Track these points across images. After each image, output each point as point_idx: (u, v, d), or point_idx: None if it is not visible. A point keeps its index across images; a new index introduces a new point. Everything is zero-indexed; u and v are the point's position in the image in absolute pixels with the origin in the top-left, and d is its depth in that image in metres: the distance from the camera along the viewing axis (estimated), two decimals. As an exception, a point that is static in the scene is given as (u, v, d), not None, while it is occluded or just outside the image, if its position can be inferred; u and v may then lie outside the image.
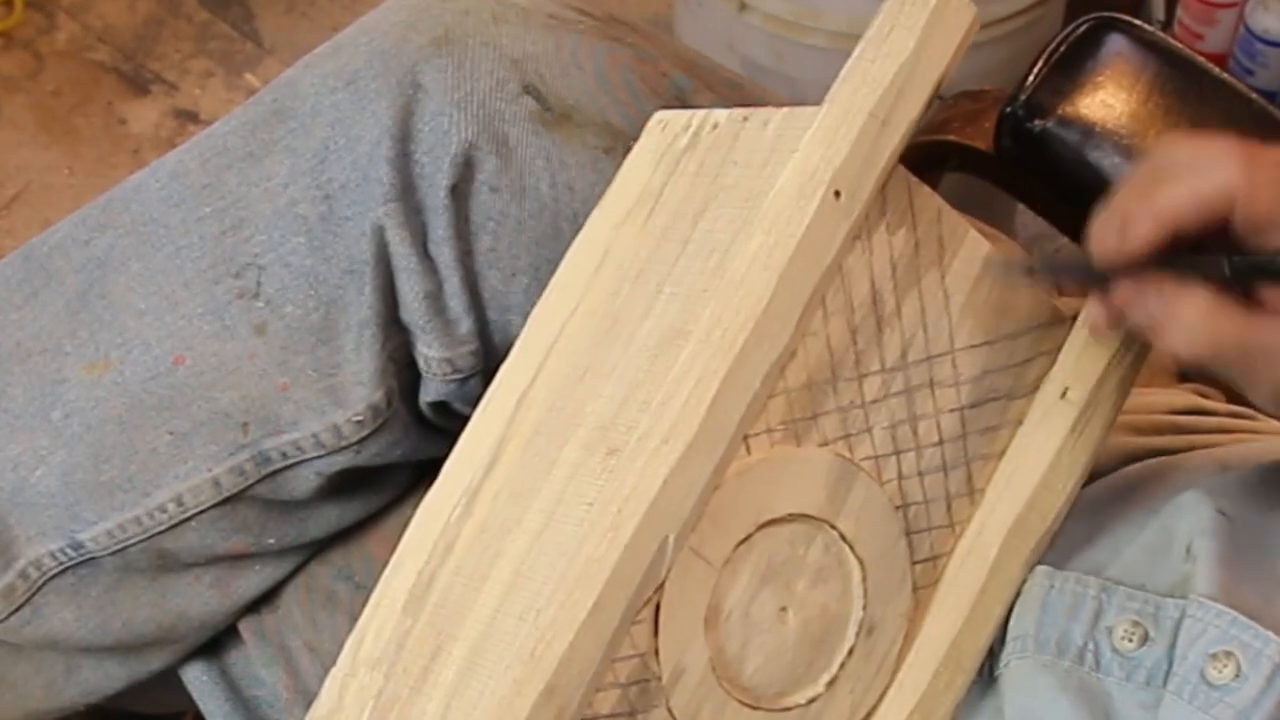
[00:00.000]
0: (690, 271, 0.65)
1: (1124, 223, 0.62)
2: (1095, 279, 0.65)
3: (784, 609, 0.65)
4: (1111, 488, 0.76)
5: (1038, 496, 0.70)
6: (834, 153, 0.62)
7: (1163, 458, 0.78)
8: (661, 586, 0.61)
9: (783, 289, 0.62)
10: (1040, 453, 0.70)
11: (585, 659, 0.59)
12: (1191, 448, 0.79)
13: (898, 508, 0.68)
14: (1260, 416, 0.88)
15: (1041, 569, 0.70)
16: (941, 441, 0.68)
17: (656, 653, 0.62)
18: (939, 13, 0.63)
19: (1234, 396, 0.93)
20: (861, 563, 0.67)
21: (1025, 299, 0.69)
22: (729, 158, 0.67)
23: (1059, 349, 0.70)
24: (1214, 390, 0.94)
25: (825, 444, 0.66)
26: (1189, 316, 0.61)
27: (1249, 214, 0.61)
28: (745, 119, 0.68)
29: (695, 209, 0.67)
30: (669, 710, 0.63)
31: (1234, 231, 0.61)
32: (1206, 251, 0.62)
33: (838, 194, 0.62)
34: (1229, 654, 0.65)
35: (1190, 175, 0.61)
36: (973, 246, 0.68)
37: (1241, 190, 0.60)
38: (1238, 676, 0.65)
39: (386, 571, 0.69)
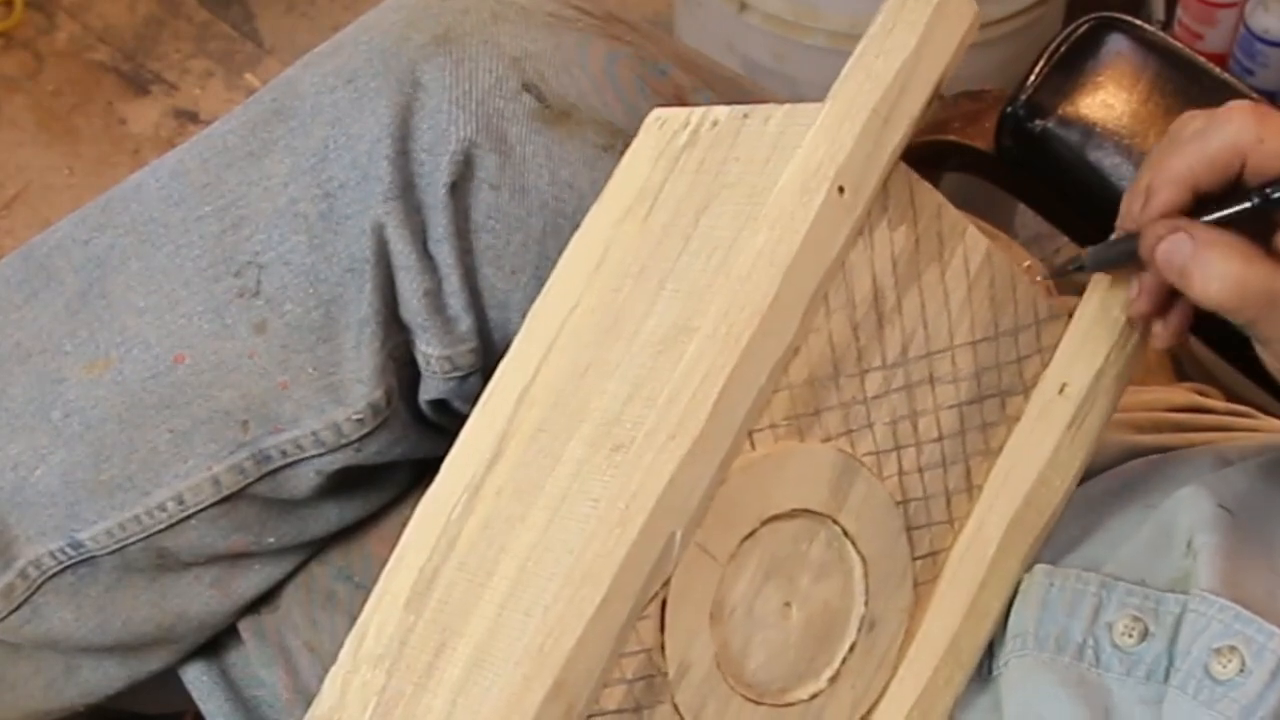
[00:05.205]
0: (693, 268, 0.65)
1: (1146, 194, 0.64)
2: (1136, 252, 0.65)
3: (787, 604, 0.65)
4: (1109, 484, 0.75)
5: (1035, 493, 0.70)
6: (838, 149, 0.62)
7: (1161, 454, 0.78)
8: (668, 582, 0.61)
9: (788, 285, 0.62)
10: (1038, 449, 0.70)
11: (594, 654, 0.59)
12: (1191, 446, 0.79)
13: (898, 503, 0.68)
14: (1260, 415, 0.88)
15: (1041, 567, 0.70)
16: (941, 437, 0.68)
17: (662, 648, 0.62)
18: (941, 10, 0.64)
19: (1233, 396, 0.93)
20: (863, 558, 0.67)
21: (1023, 295, 0.69)
22: (730, 155, 0.67)
23: (1056, 345, 0.70)
24: (1213, 389, 0.94)
25: (828, 439, 0.66)
26: (1218, 260, 0.62)
27: (1260, 162, 0.61)
28: (745, 116, 0.68)
29: (696, 206, 0.67)
30: (674, 706, 0.63)
31: (1247, 184, 0.62)
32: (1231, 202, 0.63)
33: (841, 190, 0.62)
34: (1233, 648, 0.65)
35: (1199, 137, 0.63)
36: (971, 242, 0.68)
37: (1250, 141, 0.61)
38: (1242, 671, 0.65)
39: (387, 568, 0.69)
